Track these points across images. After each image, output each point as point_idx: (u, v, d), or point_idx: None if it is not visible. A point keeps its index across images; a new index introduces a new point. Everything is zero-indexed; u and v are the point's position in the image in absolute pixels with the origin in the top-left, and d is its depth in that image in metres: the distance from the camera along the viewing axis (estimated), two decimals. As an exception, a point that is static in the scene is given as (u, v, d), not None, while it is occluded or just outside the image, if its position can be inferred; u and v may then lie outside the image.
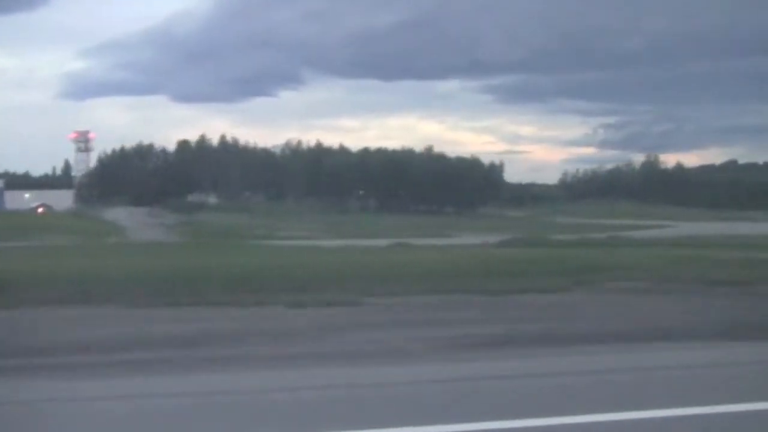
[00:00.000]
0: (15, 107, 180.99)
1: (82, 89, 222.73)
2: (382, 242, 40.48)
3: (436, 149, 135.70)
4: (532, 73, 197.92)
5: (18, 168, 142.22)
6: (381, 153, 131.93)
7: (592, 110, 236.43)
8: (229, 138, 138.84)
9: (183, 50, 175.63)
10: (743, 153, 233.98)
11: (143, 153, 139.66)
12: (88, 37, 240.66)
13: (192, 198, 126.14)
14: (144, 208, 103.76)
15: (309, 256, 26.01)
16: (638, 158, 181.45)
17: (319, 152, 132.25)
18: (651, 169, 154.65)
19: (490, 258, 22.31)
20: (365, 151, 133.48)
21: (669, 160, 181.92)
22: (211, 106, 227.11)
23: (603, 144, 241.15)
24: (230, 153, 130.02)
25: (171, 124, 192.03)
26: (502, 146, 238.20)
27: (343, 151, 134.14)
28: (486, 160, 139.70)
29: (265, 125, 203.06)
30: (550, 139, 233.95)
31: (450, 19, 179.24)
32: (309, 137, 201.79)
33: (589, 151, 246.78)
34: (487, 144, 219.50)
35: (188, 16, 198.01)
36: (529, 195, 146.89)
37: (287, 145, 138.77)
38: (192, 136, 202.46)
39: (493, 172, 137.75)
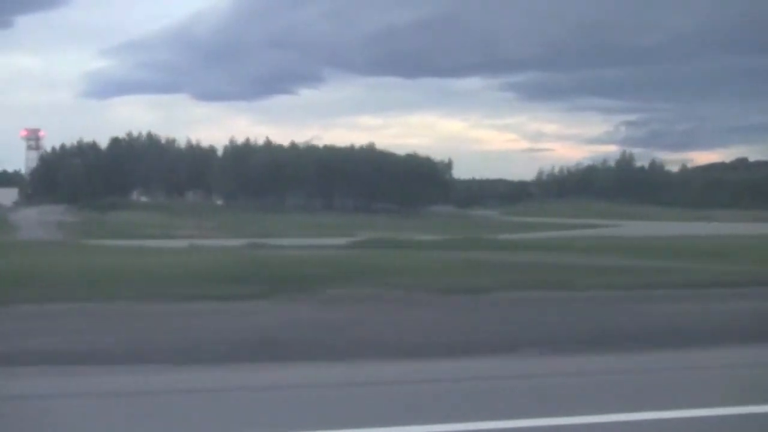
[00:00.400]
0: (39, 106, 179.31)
1: (105, 88, 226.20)
2: (245, 241, 37.46)
3: (459, 147, 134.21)
4: (554, 71, 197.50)
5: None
6: (313, 150, 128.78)
7: (614, 108, 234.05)
8: (163, 135, 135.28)
9: (204, 49, 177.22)
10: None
11: (83, 150, 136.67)
12: (109, 36, 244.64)
13: (133, 196, 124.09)
14: (69, 206, 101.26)
15: (89, 257, 22.65)
16: (664, 156, 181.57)
17: (250, 150, 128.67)
18: (626, 167, 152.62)
19: (241, 260, 19.14)
20: (295, 148, 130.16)
21: (695, 158, 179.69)
22: (232, 105, 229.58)
23: (625, 141, 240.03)
24: (158, 151, 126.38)
25: (193, 123, 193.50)
26: (524, 144, 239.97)
27: (276, 148, 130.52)
28: (507, 158, 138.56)
29: (286, 123, 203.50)
30: (572, 137, 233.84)
31: (470, 17, 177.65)
32: (329, 135, 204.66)
33: (611, 148, 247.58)
34: (509, 142, 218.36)
35: (209, 15, 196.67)
36: (509, 193, 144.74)
37: (231, 143, 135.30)
38: (211, 135, 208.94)
39: (439, 170, 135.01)
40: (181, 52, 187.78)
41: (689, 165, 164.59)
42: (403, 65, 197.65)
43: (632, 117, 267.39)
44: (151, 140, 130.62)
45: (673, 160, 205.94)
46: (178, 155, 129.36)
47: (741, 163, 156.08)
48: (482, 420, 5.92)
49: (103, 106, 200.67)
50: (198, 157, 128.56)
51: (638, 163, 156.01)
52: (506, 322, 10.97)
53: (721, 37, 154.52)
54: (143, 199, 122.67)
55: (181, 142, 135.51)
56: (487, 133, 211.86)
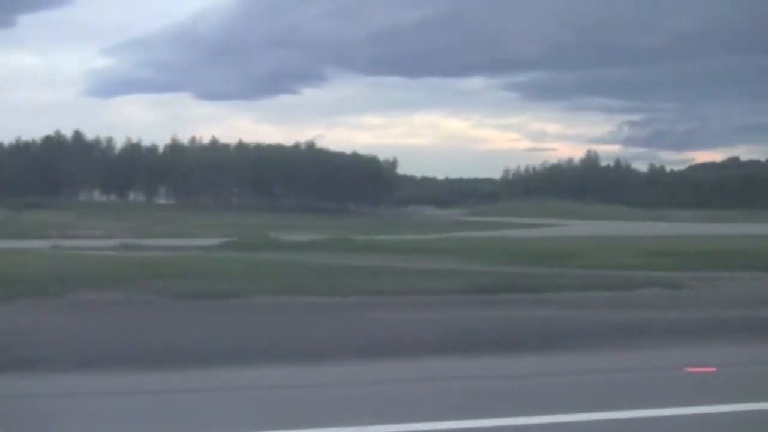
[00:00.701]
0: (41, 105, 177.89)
1: (107, 87, 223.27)
2: (119, 242, 36.78)
3: (461, 146, 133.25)
4: (556, 70, 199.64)
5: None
6: (245, 149, 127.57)
7: (617, 108, 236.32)
8: (103, 135, 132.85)
9: (206, 48, 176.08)
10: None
11: (20, 149, 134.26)
12: (111, 35, 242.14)
13: (80, 196, 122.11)
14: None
15: None
16: (665, 155, 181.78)
17: (190, 149, 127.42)
18: (591, 166, 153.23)
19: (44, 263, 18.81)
20: (244, 148, 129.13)
21: (697, 157, 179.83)
22: (234, 104, 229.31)
23: (627, 141, 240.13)
24: (85, 150, 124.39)
25: (195, 122, 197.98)
26: (527, 143, 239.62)
27: (222, 147, 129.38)
28: (504, 158, 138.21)
29: (289, 122, 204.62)
30: (575, 137, 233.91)
31: (473, 17, 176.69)
32: (332, 134, 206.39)
33: (614, 148, 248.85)
34: (512, 141, 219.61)
35: (211, 13, 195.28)
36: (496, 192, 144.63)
37: (174, 141, 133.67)
38: (210, 133, 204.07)
39: (384, 168, 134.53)
40: (183, 51, 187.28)
41: (687, 164, 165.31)
42: (406, 65, 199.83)
43: (635, 117, 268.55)
44: (78, 139, 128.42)
45: (676, 159, 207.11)
46: (120, 154, 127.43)
47: (732, 162, 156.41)
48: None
49: (105, 105, 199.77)
50: (140, 156, 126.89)
51: (634, 164, 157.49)
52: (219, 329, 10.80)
53: (724, 37, 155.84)
54: (82, 198, 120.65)
55: (159, 143, 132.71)
56: (489, 133, 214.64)
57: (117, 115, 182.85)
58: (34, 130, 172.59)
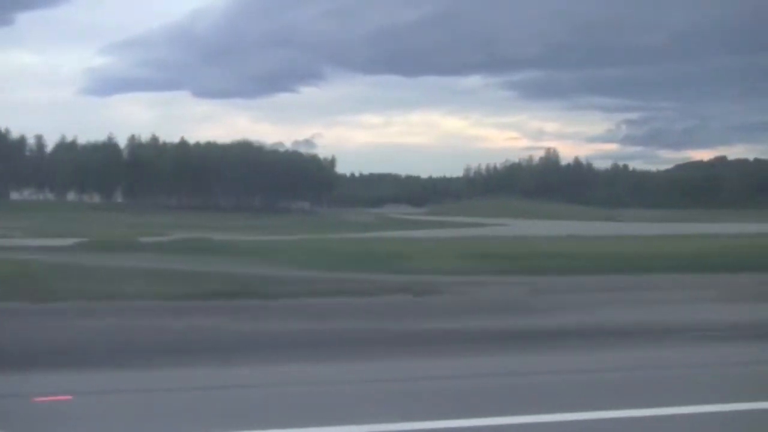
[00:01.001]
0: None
1: (105, 86, 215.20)
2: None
3: (460, 145, 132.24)
4: (554, 69, 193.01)
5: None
6: (185, 147, 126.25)
7: (615, 106, 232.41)
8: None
9: (204, 47, 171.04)
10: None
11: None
12: (109, 33, 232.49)
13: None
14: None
15: None
16: (665, 154, 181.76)
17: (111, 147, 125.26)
18: (550, 165, 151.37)
19: None
20: (184, 145, 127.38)
21: (694, 156, 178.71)
22: (232, 102, 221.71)
23: (626, 140, 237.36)
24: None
25: (193, 120, 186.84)
26: (525, 142, 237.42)
27: (160, 146, 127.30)
28: (504, 156, 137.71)
29: (287, 121, 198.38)
30: (573, 136, 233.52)
31: (470, 15, 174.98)
32: (331, 133, 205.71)
33: (612, 147, 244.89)
34: (511, 140, 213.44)
35: (209, 12, 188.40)
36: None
37: (109, 139, 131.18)
38: (214, 133, 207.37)
39: (324, 167, 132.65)
40: (181, 50, 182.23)
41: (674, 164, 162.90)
42: (404, 64, 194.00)
43: (633, 116, 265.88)
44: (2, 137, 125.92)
45: (674, 158, 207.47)
46: (54, 152, 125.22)
47: (720, 161, 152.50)
48: None
49: (103, 104, 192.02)
50: (75, 155, 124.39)
51: (633, 162, 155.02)
52: None
53: (723, 35, 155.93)
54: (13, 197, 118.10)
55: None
56: (488, 131, 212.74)
57: (115, 114, 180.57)
58: (31, 129, 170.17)
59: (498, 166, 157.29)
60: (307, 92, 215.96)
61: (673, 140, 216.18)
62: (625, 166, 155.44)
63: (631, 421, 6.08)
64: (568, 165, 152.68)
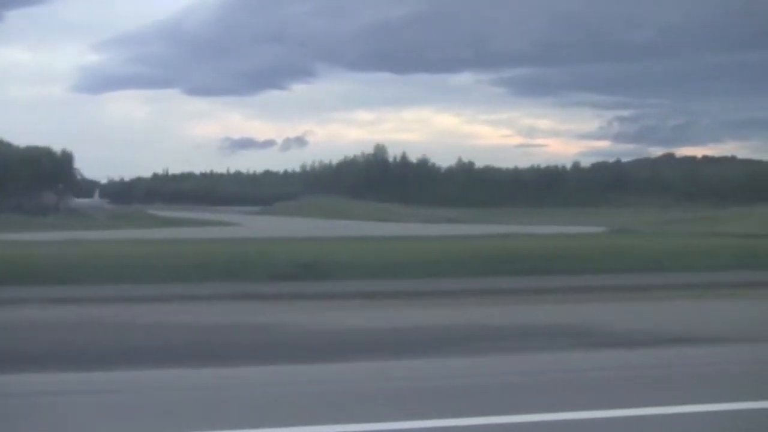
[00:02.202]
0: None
1: (97, 83, 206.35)
2: None
3: (453, 143, 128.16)
4: (544, 66, 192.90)
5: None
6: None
7: (607, 103, 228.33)
8: None
9: (195, 44, 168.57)
10: (760, 146, 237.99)
11: None
12: (100, 30, 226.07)
13: None
14: None
15: None
16: (656, 151, 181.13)
17: None
18: (378, 162, 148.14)
19: None
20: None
21: (689, 153, 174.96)
22: (223, 100, 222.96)
23: (617, 137, 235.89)
24: None
25: (185, 118, 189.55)
26: (519, 139, 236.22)
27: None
28: (500, 154, 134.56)
29: (280, 118, 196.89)
30: (566, 133, 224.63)
31: (460, 11, 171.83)
32: (324, 130, 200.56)
33: (604, 144, 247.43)
34: (504, 137, 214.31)
35: (200, 9, 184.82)
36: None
37: None
38: (207, 130, 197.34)
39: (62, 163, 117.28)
40: (172, 47, 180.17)
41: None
42: (395, 60, 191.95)
43: (624, 113, 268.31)
44: None
45: (666, 155, 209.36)
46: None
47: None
48: None
49: (95, 101, 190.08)
50: None
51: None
52: None
53: (714, 32, 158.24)
54: None
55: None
56: (481, 128, 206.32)
57: (106, 111, 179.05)
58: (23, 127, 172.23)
59: (333, 162, 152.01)
60: (299, 89, 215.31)
61: (665, 137, 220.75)
62: (471, 163, 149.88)
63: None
64: (395, 161, 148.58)
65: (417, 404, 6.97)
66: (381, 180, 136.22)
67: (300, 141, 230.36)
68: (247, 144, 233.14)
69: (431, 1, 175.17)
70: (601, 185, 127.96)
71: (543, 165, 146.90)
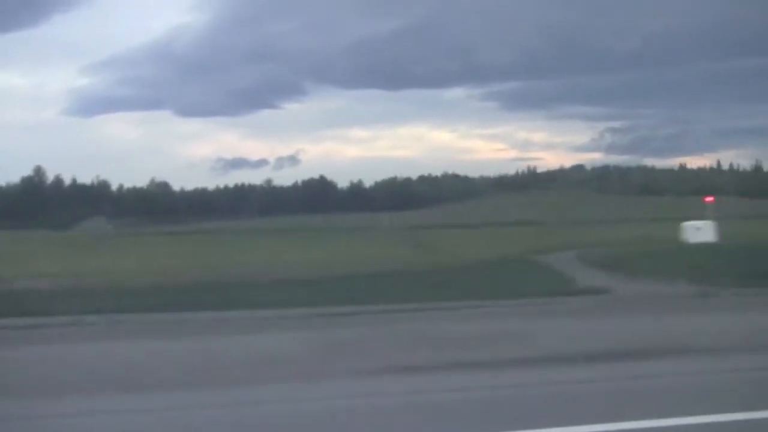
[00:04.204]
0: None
1: (88, 106, 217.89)
2: None
3: (450, 158, 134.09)
4: (534, 79, 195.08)
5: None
6: None
7: (598, 115, 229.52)
8: None
9: (184, 65, 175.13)
10: (755, 155, 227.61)
11: None
12: (89, 53, 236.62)
13: None
14: None
15: None
16: (650, 161, 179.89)
17: None
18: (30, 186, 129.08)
19: None
20: None
21: (688, 162, 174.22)
22: (215, 120, 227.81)
23: (610, 149, 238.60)
24: None
25: (180, 139, 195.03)
26: (513, 153, 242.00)
27: None
28: (498, 168, 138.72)
29: (273, 137, 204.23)
30: (559, 145, 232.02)
31: (448, 27, 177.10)
32: (318, 149, 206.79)
33: (597, 156, 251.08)
34: (499, 151, 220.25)
35: (188, 30, 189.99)
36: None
37: None
38: (201, 151, 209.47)
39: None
40: (161, 68, 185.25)
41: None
42: (385, 77, 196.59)
43: (616, 124, 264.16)
44: None
45: (661, 165, 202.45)
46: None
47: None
48: None
49: (86, 124, 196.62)
50: None
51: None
52: None
53: (705, 40, 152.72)
54: None
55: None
56: (476, 143, 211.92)
57: (98, 135, 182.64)
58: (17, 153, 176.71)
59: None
60: (291, 108, 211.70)
61: (659, 147, 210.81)
62: (104, 182, 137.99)
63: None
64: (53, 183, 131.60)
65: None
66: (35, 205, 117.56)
67: (293, 160, 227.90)
68: (240, 164, 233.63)
69: (418, 16, 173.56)
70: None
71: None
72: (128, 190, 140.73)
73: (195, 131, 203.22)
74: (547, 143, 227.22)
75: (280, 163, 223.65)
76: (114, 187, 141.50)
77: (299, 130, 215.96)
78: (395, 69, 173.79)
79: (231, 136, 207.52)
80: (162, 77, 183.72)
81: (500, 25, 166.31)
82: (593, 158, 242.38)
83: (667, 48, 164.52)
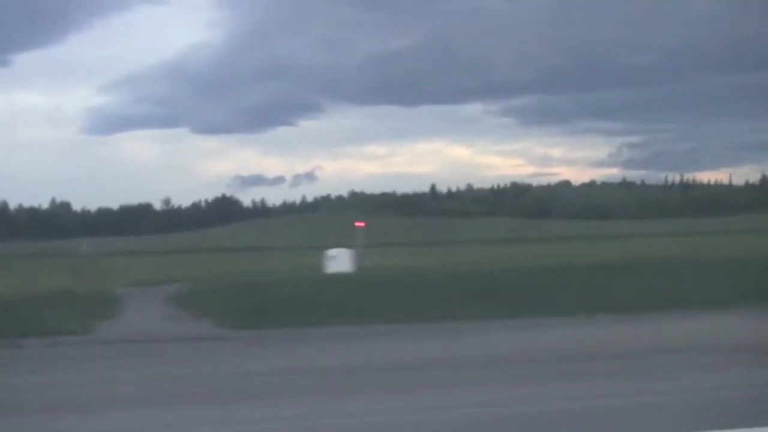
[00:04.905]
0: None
1: (106, 124, 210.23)
2: None
3: (468, 173, 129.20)
4: (551, 94, 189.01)
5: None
6: None
7: (615, 130, 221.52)
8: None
9: (200, 82, 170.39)
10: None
11: None
12: (106, 72, 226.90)
13: None
14: None
15: None
16: (671, 177, 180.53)
17: None
18: None
19: None
20: None
21: (699, 178, 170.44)
22: (232, 138, 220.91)
23: (627, 164, 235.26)
24: None
25: (198, 157, 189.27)
26: (532, 169, 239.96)
27: None
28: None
29: (291, 154, 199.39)
30: (578, 161, 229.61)
31: (465, 42, 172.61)
32: (334, 165, 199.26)
33: (614, 171, 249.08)
34: (517, 167, 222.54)
35: (204, 47, 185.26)
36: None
37: None
38: (220, 168, 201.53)
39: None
40: (178, 86, 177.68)
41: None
42: (400, 93, 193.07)
43: (634, 139, 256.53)
44: None
45: (678, 180, 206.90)
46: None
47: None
48: None
49: (105, 143, 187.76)
50: None
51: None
52: None
53: (723, 53, 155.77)
54: None
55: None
56: (494, 159, 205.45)
57: (120, 152, 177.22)
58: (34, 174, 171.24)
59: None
60: (308, 125, 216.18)
61: (676, 162, 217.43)
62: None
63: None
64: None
65: None
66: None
67: (310, 177, 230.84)
68: (257, 181, 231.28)
69: (433, 31, 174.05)
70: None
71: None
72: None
73: (210, 149, 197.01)
74: (567, 158, 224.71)
75: (297, 180, 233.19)
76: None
77: (316, 147, 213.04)
78: (411, 85, 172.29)
79: (248, 153, 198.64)
80: (178, 95, 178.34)
81: (517, 41, 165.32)
82: (610, 174, 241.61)
83: (684, 61, 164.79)
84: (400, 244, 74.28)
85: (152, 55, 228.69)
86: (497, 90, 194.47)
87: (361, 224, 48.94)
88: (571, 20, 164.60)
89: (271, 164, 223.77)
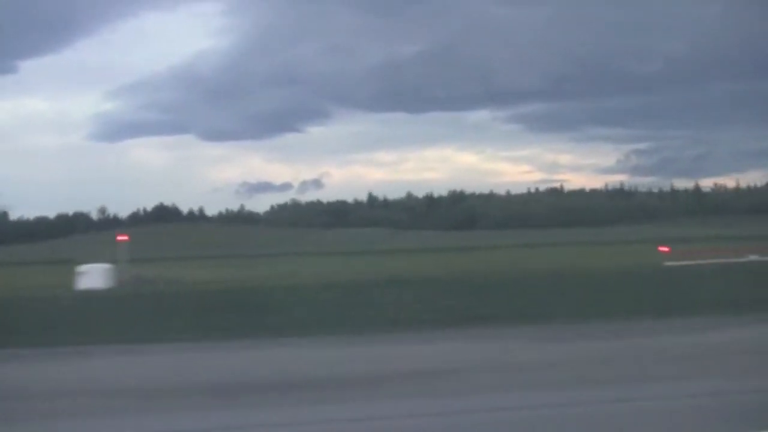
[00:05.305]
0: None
1: (113, 131, 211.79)
2: None
3: (475, 180, 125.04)
4: (558, 101, 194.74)
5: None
6: None
7: (624, 137, 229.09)
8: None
9: (208, 89, 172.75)
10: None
11: None
12: (113, 78, 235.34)
13: None
14: None
15: None
16: (679, 183, 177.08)
17: None
18: None
19: None
20: None
21: (706, 184, 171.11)
22: (239, 144, 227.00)
23: (635, 170, 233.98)
24: None
25: (205, 163, 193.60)
26: (540, 175, 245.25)
27: None
28: (522, 190, 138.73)
29: (299, 161, 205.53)
30: (586, 167, 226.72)
31: (470, 49, 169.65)
32: (343, 172, 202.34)
33: (622, 178, 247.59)
34: (525, 174, 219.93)
35: (211, 55, 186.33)
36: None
37: None
38: (227, 174, 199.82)
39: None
40: (185, 93, 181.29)
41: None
42: (408, 100, 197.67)
43: (641, 145, 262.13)
44: None
45: (685, 187, 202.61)
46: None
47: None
48: None
49: (112, 149, 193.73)
50: None
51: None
52: None
53: (730, 60, 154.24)
54: None
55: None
56: (502, 166, 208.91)
57: (127, 159, 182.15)
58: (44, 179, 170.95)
59: None
60: (315, 132, 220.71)
61: (684, 168, 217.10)
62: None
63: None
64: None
65: None
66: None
67: (317, 183, 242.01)
68: (265, 188, 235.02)
69: (441, 38, 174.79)
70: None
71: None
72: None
73: (217, 155, 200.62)
74: (574, 165, 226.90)
75: (304, 186, 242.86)
76: None
77: (324, 154, 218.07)
78: (418, 92, 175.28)
79: (255, 159, 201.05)
80: (186, 102, 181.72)
81: (525, 49, 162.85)
82: (618, 180, 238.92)
83: (691, 68, 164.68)
84: (179, 258, 69.97)
85: (159, 62, 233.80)
86: (505, 97, 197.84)
87: (124, 238, 44.30)
88: (579, 28, 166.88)
89: (277, 171, 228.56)
